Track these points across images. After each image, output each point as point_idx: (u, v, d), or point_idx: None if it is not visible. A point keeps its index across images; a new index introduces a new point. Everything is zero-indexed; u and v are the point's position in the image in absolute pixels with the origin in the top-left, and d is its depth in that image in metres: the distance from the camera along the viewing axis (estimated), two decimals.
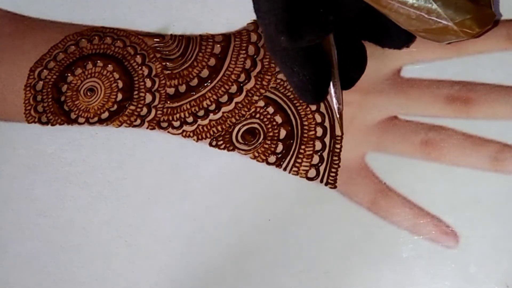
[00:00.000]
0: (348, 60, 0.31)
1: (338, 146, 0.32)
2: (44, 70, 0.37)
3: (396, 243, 0.30)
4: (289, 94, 0.34)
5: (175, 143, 0.34)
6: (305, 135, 0.33)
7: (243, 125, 0.34)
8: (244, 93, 0.34)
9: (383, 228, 0.30)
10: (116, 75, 0.36)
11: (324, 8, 0.26)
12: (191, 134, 0.34)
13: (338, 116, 0.32)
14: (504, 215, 0.30)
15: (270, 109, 0.34)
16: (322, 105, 0.33)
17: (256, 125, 0.34)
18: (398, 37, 0.30)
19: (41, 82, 0.37)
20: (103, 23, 0.38)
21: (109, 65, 0.36)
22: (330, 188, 0.32)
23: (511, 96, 0.31)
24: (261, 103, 0.34)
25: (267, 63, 0.35)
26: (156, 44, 0.36)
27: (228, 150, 0.34)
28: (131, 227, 0.33)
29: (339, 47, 0.30)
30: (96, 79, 0.36)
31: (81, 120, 0.36)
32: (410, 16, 0.25)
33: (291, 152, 0.33)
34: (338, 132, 0.32)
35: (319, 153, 0.32)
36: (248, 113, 0.34)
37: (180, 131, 0.34)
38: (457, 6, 0.25)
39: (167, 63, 0.36)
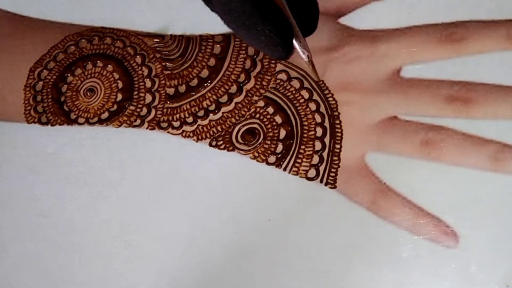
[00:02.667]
0: (300, 7, 0.31)
1: (338, 146, 0.32)
2: (44, 71, 0.37)
3: (396, 243, 0.30)
4: (289, 94, 0.34)
5: (175, 143, 0.34)
6: (305, 135, 0.33)
7: (243, 125, 0.34)
8: (244, 93, 0.34)
9: (383, 228, 0.30)
10: (116, 75, 0.36)
11: None
12: (191, 134, 0.34)
13: (309, 64, 0.32)
14: (504, 215, 0.30)
15: (270, 109, 0.34)
16: (322, 105, 0.33)
17: (256, 125, 0.34)
18: None
19: (41, 83, 0.37)
20: (103, 24, 0.38)
21: (109, 65, 0.36)
22: (330, 188, 0.32)
23: (511, 96, 0.31)
24: (261, 103, 0.34)
25: (266, 63, 0.35)
26: (156, 45, 0.36)
27: (228, 150, 0.34)
28: (131, 227, 0.33)
29: None
30: (96, 80, 0.36)
31: (81, 120, 0.36)
32: None
33: (291, 152, 0.33)
34: (315, 78, 0.32)
35: (319, 153, 0.32)
36: (248, 113, 0.34)
37: (180, 131, 0.34)
38: None
39: (167, 63, 0.36)
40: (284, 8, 0.29)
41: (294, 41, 0.30)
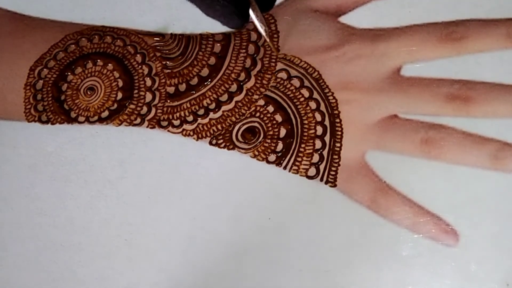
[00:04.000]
0: None
1: (338, 144, 0.32)
2: (44, 69, 0.37)
3: (396, 241, 0.30)
4: (289, 93, 0.34)
5: (175, 142, 0.34)
6: (305, 133, 0.33)
7: (243, 124, 0.34)
8: (244, 92, 0.34)
9: (383, 226, 0.30)
10: (116, 74, 0.36)
11: None
12: (191, 133, 0.34)
13: (267, 37, 0.32)
14: (504, 214, 0.30)
15: (270, 108, 0.34)
16: (322, 103, 0.33)
17: (256, 124, 0.34)
18: None
19: (41, 81, 0.37)
20: (103, 22, 0.38)
21: (109, 64, 0.36)
22: (330, 186, 0.32)
23: (511, 94, 0.31)
24: (261, 102, 0.34)
25: (267, 62, 0.35)
26: (156, 43, 0.36)
27: (228, 149, 0.34)
28: (131, 226, 0.33)
29: None
30: (96, 78, 0.36)
31: (81, 119, 0.36)
32: None
33: (291, 151, 0.33)
34: (274, 50, 0.32)
35: (319, 152, 0.32)
36: (248, 112, 0.34)
37: (180, 130, 0.34)
38: None
39: (167, 62, 0.36)
40: None
41: (251, 12, 0.30)
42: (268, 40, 0.31)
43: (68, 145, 0.35)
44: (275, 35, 0.34)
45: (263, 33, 0.31)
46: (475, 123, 0.31)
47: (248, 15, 0.31)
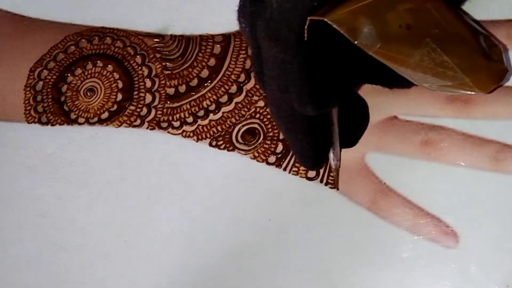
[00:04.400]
0: (351, 117, 0.31)
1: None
2: (44, 70, 0.37)
3: (396, 243, 0.30)
4: None
5: (175, 143, 0.34)
6: None
7: (243, 125, 0.34)
8: (244, 93, 0.34)
9: (383, 228, 0.30)
10: (116, 75, 0.36)
11: (344, 72, 0.25)
12: (191, 134, 0.34)
13: (335, 172, 0.31)
14: (504, 215, 0.30)
15: None
16: None
17: (256, 125, 0.34)
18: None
19: (41, 82, 0.37)
20: (103, 23, 0.38)
21: (109, 65, 0.36)
22: (330, 188, 0.32)
23: (511, 96, 0.31)
24: (261, 103, 0.34)
25: None
26: (156, 44, 0.36)
27: (228, 150, 0.34)
28: (131, 227, 0.33)
29: (342, 105, 0.29)
30: (96, 79, 0.36)
31: (81, 120, 0.36)
32: (426, 74, 0.25)
33: (291, 152, 0.33)
34: (335, 185, 0.32)
35: None
36: (248, 113, 0.34)
37: (180, 131, 0.34)
38: (472, 63, 0.25)
39: (167, 63, 0.36)
40: (332, 117, 0.28)
41: (330, 152, 0.30)
42: (335, 175, 0.31)
43: (68, 147, 0.35)
44: None
45: (333, 166, 0.31)
46: (475, 125, 0.31)
47: (323, 162, 0.30)
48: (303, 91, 0.24)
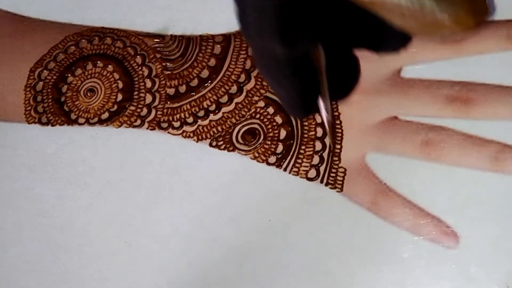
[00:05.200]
0: (340, 70, 0.31)
1: (338, 146, 0.32)
2: (44, 71, 0.37)
3: (396, 243, 0.30)
4: None
5: (175, 143, 0.34)
6: (305, 135, 0.33)
7: (243, 126, 0.34)
8: (244, 94, 0.34)
9: (383, 228, 0.30)
10: (116, 76, 0.36)
11: (316, 14, 0.25)
12: (191, 135, 0.34)
13: (328, 127, 0.31)
14: (504, 215, 0.30)
15: (270, 110, 0.34)
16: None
17: (256, 126, 0.34)
18: (393, 40, 0.30)
19: (41, 83, 0.37)
20: (103, 24, 0.38)
21: (109, 66, 0.36)
22: (331, 188, 0.32)
23: (511, 96, 0.31)
24: (261, 104, 0.34)
25: None
26: (156, 45, 0.36)
27: (228, 151, 0.34)
28: (131, 227, 0.33)
29: (330, 58, 0.29)
30: (96, 80, 0.36)
31: (81, 120, 0.36)
32: (402, 12, 0.25)
33: (291, 153, 0.33)
34: (330, 141, 0.32)
35: (319, 154, 0.32)
36: (248, 113, 0.34)
37: (180, 131, 0.34)
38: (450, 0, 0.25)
39: (167, 64, 0.36)
40: (320, 67, 0.28)
41: (320, 102, 0.30)
42: (328, 130, 0.31)
43: (68, 147, 0.35)
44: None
45: (326, 122, 0.30)
46: (475, 125, 0.31)
47: (311, 110, 0.30)
48: (273, 28, 0.24)
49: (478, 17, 0.25)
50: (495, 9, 0.32)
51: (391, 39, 0.29)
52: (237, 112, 0.34)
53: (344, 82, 0.31)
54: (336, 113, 0.33)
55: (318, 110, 0.30)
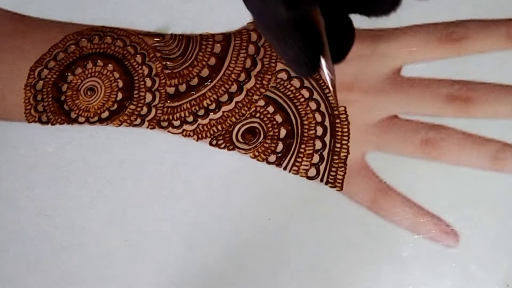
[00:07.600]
0: (336, 33, 0.31)
1: (338, 145, 0.32)
2: (44, 70, 0.37)
3: (396, 242, 0.30)
4: (289, 93, 0.34)
5: (175, 142, 0.34)
6: (305, 134, 0.33)
7: (243, 125, 0.34)
8: (244, 93, 0.34)
9: (383, 227, 0.30)
10: (116, 75, 0.36)
11: None
12: (191, 134, 0.34)
13: (331, 87, 0.31)
14: (504, 214, 0.30)
15: (270, 108, 0.34)
16: (322, 104, 0.33)
17: (256, 125, 0.34)
18: (384, 3, 0.30)
19: (41, 82, 0.37)
20: (103, 23, 0.38)
21: (109, 65, 0.36)
22: (330, 187, 0.32)
23: (511, 95, 0.31)
24: (261, 102, 0.34)
25: (267, 62, 0.35)
26: (156, 44, 0.36)
27: (228, 150, 0.34)
28: (131, 226, 0.33)
29: (326, 20, 0.29)
30: (96, 79, 0.36)
31: (81, 119, 0.36)
32: None
33: (291, 151, 0.33)
34: (335, 102, 0.32)
35: (319, 152, 0.32)
36: (248, 112, 0.34)
37: (180, 130, 0.34)
38: None
39: (167, 63, 0.36)
40: (320, 28, 0.29)
41: (322, 60, 0.30)
42: (332, 90, 0.31)
43: (68, 146, 0.35)
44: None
45: (329, 82, 0.30)
46: (475, 124, 0.31)
47: (317, 67, 0.31)
48: None
49: None
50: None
51: (381, 2, 0.29)
52: (237, 111, 0.34)
53: (339, 46, 0.31)
54: (336, 112, 0.33)
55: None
